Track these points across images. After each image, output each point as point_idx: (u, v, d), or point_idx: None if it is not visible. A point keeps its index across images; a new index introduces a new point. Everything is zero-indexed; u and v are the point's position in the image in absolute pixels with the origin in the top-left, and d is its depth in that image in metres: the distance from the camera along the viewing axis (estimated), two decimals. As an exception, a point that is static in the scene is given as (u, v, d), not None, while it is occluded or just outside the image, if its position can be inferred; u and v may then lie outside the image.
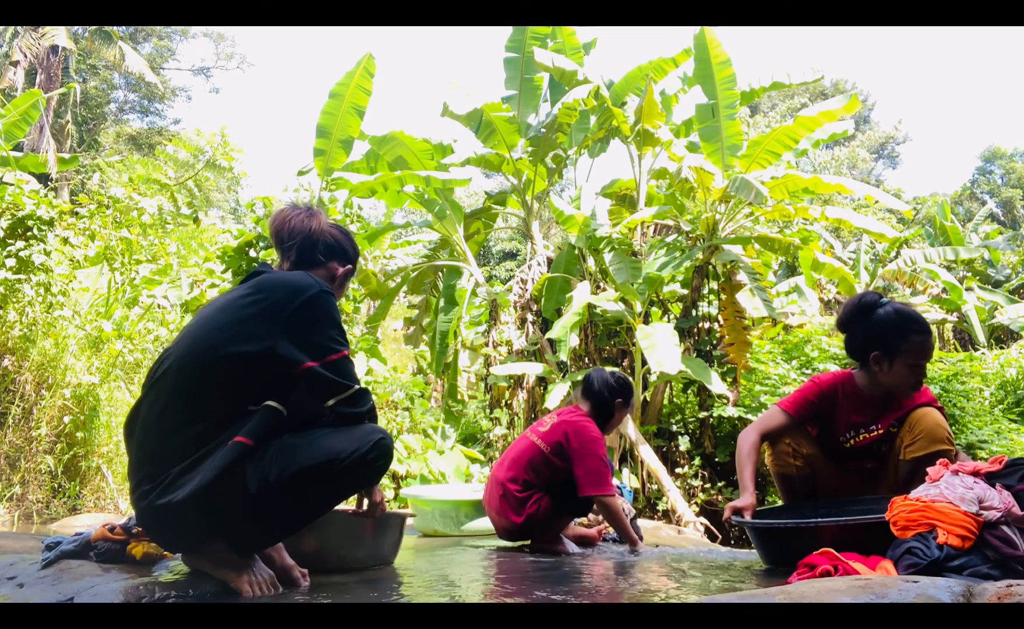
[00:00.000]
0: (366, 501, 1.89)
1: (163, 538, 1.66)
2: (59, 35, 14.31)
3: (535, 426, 2.95)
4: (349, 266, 1.98)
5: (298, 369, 1.61)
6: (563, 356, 7.03)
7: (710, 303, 6.96)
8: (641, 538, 2.99)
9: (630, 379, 3.03)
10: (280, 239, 1.89)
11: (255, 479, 1.52)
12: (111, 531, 1.90)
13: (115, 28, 15.60)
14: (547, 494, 2.77)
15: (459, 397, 8.47)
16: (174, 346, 1.67)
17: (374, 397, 1.81)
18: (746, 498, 2.28)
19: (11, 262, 5.33)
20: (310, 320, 1.65)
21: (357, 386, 1.68)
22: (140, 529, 1.88)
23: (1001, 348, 10.37)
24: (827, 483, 2.45)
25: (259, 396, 1.61)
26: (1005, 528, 1.66)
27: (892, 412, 2.38)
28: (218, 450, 1.52)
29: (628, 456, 6.45)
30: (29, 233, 5.51)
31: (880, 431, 2.40)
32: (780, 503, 2.60)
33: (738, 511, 2.26)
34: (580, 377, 6.24)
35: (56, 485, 5.08)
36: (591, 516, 3.25)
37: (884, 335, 2.28)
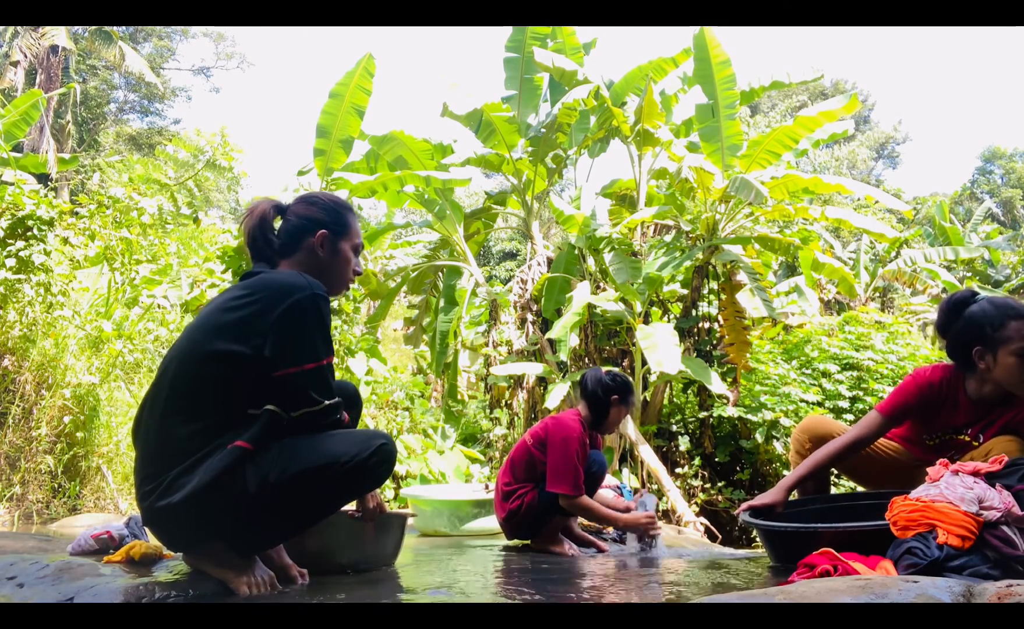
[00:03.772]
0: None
1: (165, 538, 1.67)
2: (59, 35, 14.32)
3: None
4: (324, 231, 1.81)
5: (274, 374, 1.59)
6: (563, 356, 7.02)
7: (710, 303, 6.95)
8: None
9: (628, 377, 3.02)
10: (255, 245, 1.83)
11: (255, 479, 1.53)
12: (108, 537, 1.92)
13: (115, 28, 15.60)
14: (532, 491, 2.78)
15: (459, 397, 8.47)
16: (174, 346, 1.68)
17: (343, 414, 1.77)
18: (773, 495, 2.25)
19: (11, 262, 5.33)
20: (294, 323, 1.60)
21: (327, 402, 1.64)
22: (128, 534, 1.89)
23: (1001, 348, 10.33)
24: (879, 472, 2.39)
25: (256, 399, 1.60)
26: (1005, 528, 1.66)
27: (995, 418, 2.21)
28: (217, 453, 1.52)
29: (628, 456, 6.45)
30: (29, 233, 5.50)
31: (966, 438, 2.27)
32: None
33: (756, 510, 2.22)
34: (580, 377, 6.26)
35: (56, 485, 5.07)
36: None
37: (981, 328, 2.17)
